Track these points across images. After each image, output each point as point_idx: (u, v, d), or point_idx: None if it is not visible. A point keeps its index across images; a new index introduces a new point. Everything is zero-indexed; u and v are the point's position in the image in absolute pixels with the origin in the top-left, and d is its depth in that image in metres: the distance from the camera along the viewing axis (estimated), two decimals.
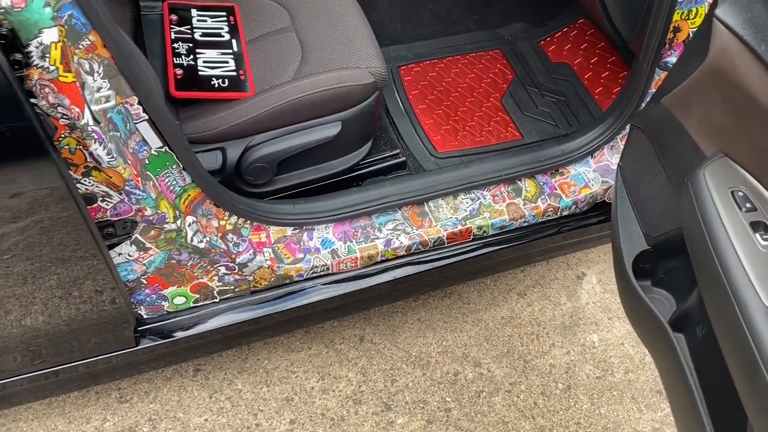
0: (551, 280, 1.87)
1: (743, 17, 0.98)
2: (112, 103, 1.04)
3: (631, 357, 1.71)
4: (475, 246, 1.57)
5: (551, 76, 1.96)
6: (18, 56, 0.91)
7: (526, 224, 1.59)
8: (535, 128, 1.83)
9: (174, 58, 1.47)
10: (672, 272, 1.24)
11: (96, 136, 1.02)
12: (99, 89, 1.03)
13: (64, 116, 0.98)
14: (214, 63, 1.50)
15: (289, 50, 1.56)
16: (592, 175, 1.61)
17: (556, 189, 1.59)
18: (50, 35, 0.92)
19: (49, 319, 1.24)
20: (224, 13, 1.64)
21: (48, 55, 0.92)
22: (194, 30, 1.57)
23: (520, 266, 1.86)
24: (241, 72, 1.49)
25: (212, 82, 1.46)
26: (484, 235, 1.57)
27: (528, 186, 1.58)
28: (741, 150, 1.00)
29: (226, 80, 1.47)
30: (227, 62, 1.51)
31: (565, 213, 1.61)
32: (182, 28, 1.56)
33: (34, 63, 0.93)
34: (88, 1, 0.95)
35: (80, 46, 0.99)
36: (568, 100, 1.89)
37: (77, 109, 0.98)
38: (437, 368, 1.67)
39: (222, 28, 1.60)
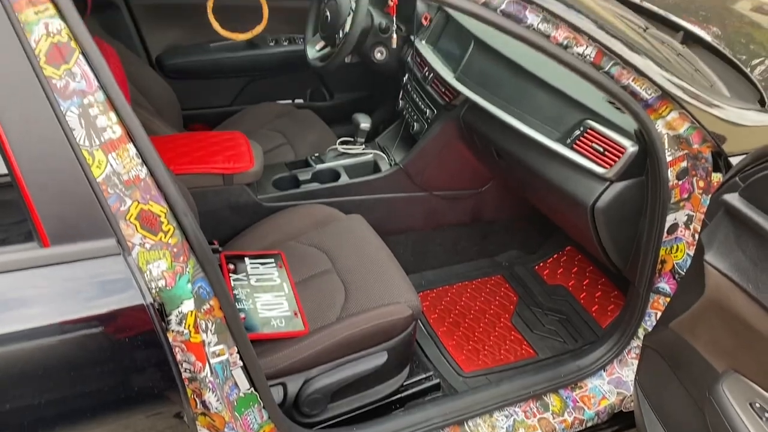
0: None
1: (729, 262, 1.25)
2: (225, 357, 1.22)
3: None
4: None
5: (550, 296, 2.23)
6: (162, 324, 1.10)
7: None
8: (546, 345, 2.04)
9: (236, 304, 1.68)
10: None
11: (210, 386, 1.18)
12: (210, 343, 1.22)
13: (187, 370, 1.15)
14: (270, 305, 1.71)
15: (334, 290, 1.78)
16: (607, 387, 1.79)
17: (578, 402, 1.76)
18: (188, 305, 1.12)
19: None
20: (273, 260, 1.88)
21: (184, 321, 1.12)
22: (249, 276, 1.80)
23: None
24: (295, 312, 1.70)
25: (272, 323, 1.65)
26: None
27: (553, 401, 1.75)
28: (749, 367, 1.22)
29: (283, 320, 1.66)
30: (282, 304, 1.72)
31: (590, 425, 1.77)
32: (239, 276, 1.79)
33: (172, 328, 1.11)
34: (216, 276, 1.17)
35: (201, 310, 1.19)
36: (569, 318, 2.14)
37: (200, 364, 1.15)
38: None
39: (273, 273, 1.83)
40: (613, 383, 1.80)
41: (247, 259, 1.87)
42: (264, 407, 1.38)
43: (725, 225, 1.27)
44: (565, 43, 1.31)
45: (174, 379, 1.08)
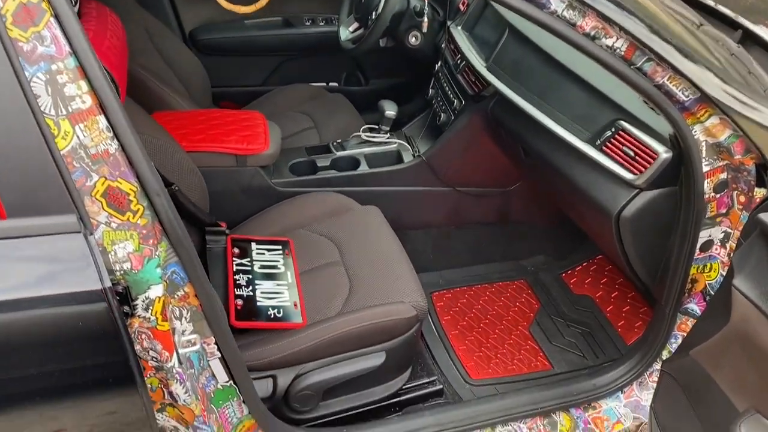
0: None
1: (760, 290, 1.10)
2: (197, 347, 1.15)
3: None
4: None
5: (574, 307, 2.09)
6: (126, 309, 1.04)
7: None
8: (564, 359, 1.91)
9: (235, 290, 1.61)
10: None
11: (178, 377, 1.12)
12: (184, 332, 1.15)
13: (154, 359, 1.09)
14: (270, 294, 1.64)
15: (339, 283, 1.69)
16: (623, 410, 1.66)
17: (590, 423, 1.64)
18: (156, 290, 1.06)
19: None
20: (280, 247, 1.81)
21: (151, 308, 1.06)
22: (254, 262, 1.73)
23: None
24: (294, 303, 1.62)
25: (269, 313, 1.58)
26: None
27: (563, 420, 1.63)
28: None
29: (281, 310, 1.60)
30: (282, 293, 1.65)
31: None
32: (243, 261, 1.73)
33: (138, 314, 1.05)
34: (190, 260, 1.11)
35: (175, 296, 1.12)
36: (592, 331, 2.00)
37: (167, 353, 1.09)
38: None
39: (278, 261, 1.76)
40: (630, 407, 1.66)
41: (253, 244, 1.80)
42: (244, 401, 1.31)
43: (760, 248, 1.13)
44: (592, 33, 1.18)
45: (131, 368, 1.02)
